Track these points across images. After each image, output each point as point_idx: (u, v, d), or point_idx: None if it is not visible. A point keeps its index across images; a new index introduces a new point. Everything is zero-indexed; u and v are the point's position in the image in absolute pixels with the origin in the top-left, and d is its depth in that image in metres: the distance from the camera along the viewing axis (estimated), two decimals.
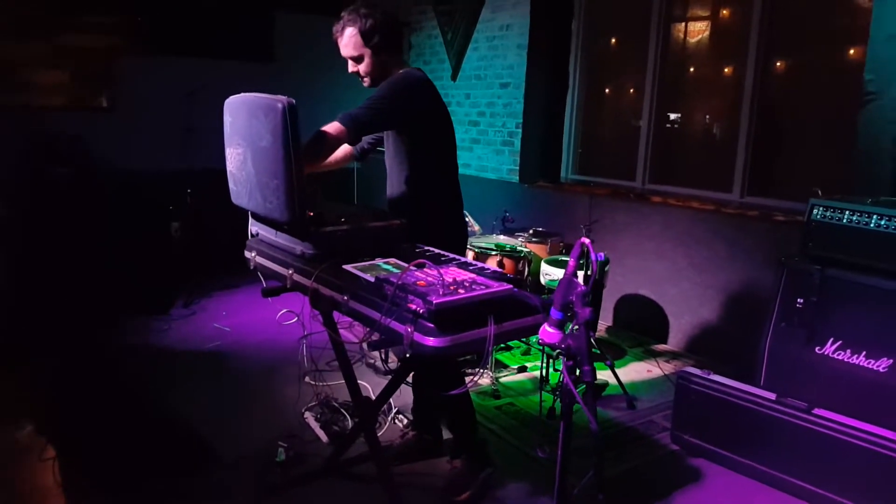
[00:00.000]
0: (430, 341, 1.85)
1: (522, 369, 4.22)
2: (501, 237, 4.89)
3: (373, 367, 4.14)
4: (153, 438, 3.32)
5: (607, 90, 5.89)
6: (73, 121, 5.60)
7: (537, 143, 6.05)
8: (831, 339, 2.94)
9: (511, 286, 1.99)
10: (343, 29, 2.75)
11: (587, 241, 1.49)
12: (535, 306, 2.02)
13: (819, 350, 2.97)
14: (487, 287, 1.95)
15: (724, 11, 4.89)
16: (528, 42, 5.79)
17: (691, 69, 5.14)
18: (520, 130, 5.97)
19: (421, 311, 1.86)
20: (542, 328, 1.67)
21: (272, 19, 6.70)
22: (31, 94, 5.98)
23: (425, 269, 2.11)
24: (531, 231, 5.09)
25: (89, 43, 6.44)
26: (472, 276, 2.08)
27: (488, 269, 2.21)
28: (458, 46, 6.60)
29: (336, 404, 3.54)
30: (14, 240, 4.68)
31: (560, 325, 1.64)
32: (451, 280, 1.99)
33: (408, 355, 2.40)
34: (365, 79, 2.84)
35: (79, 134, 5.47)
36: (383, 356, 4.09)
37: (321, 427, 3.34)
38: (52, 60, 6.20)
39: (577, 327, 1.54)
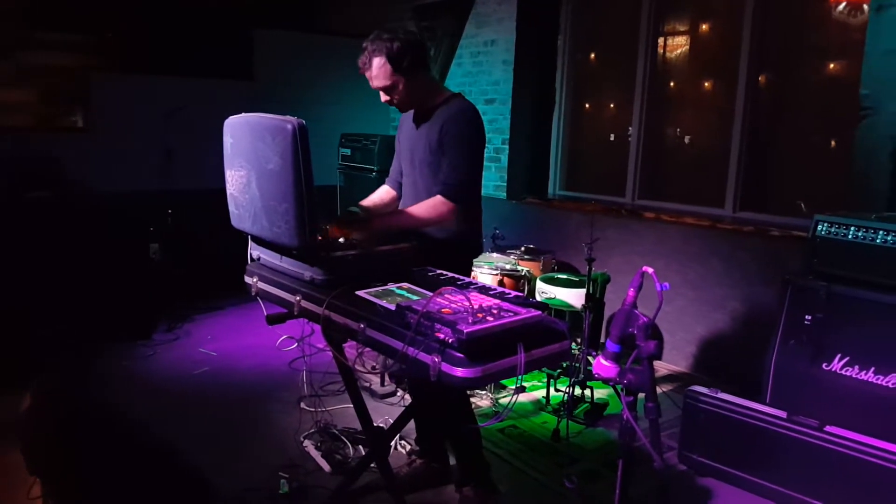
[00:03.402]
0: (460, 372, 1.78)
1: (521, 390, 4.16)
2: (494, 255, 4.84)
3: (368, 389, 4.05)
4: (145, 471, 3.18)
5: (594, 105, 5.90)
6: (48, 142, 5.42)
7: (524, 159, 6.02)
8: (839, 356, 2.92)
9: (540, 312, 1.93)
10: (370, 60, 2.58)
11: (650, 270, 1.43)
12: (562, 332, 1.96)
13: (826, 367, 2.96)
14: (516, 314, 1.89)
15: (714, 26, 4.93)
16: (514, 58, 5.78)
17: (680, 84, 5.16)
18: (506, 147, 5.94)
19: (450, 340, 1.79)
20: (596, 360, 1.61)
21: (251, 37, 6.54)
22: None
23: (446, 296, 2.04)
24: (523, 248, 5.04)
25: (58, 61, 6.26)
26: (497, 301, 2.01)
27: (509, 293, 2.15)
28: (441, 62, 6.55)
29: (336, 431, 3.43)
30: None
31: (616, 359, 1.58)
32: (477, 307, 1.92)
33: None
34: (401, 106, 2.74)
35: (56, 156, 5.30)
36: (382, 380, 4.00)
37: (323, 456, 3.23)
38: (17, 79, 6.01)
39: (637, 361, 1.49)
